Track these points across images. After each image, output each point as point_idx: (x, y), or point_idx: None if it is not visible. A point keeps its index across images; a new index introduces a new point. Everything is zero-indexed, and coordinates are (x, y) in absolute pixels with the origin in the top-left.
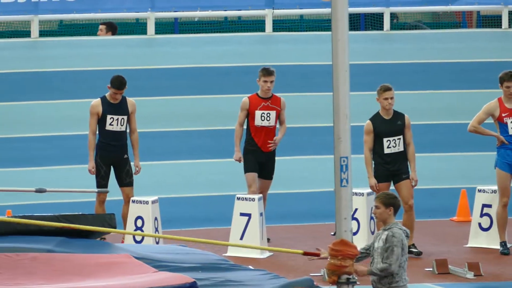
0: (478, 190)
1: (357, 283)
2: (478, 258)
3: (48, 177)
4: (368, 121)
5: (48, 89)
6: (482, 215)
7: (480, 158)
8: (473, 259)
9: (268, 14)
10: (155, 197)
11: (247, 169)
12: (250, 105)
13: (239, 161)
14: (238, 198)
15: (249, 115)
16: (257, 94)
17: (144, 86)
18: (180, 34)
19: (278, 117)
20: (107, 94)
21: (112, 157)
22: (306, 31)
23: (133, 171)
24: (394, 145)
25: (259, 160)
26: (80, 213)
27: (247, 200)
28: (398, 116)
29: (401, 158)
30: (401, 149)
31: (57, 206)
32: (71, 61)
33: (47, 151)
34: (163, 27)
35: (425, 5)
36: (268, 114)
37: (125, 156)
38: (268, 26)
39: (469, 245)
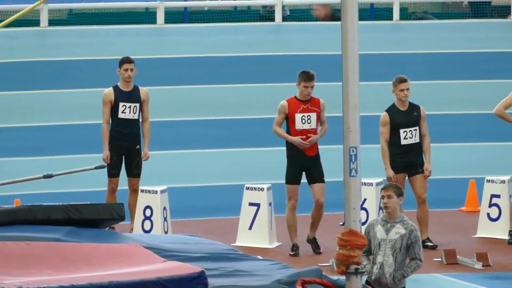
0: (487, 180)
1: (366, 273)
2: (486, 248)
3: (56, 167)
4: (385, 113)
5: (57, 78)
6: (490, 205)
7: (489, 148)
8: (481, 249)
9: (278, 4)
10: (164, 187)
11: (288, 180)
12: (289, 109)
13: (300, 143)
14: (247, 188)
15: (289, 119)
16: (295, 97)
17: (153, 75)
18: (189, 23)
19: (319, 118)
20: (118, 83)
21: (125, 146)
22: (316, 21)
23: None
24: (411, 136)
25: (304, 165)
26: (89, 202)
27: (256, 190)
28: (414, 108)
29: (417, 150)
30: (417, 140)
31: (66, 195)
32: (80, 50)
33: (56, 140)
34: (172, 16)
35: None
36: (309, 117)
37: (137, 146)
38: (278, 16)
39: (477, 235)
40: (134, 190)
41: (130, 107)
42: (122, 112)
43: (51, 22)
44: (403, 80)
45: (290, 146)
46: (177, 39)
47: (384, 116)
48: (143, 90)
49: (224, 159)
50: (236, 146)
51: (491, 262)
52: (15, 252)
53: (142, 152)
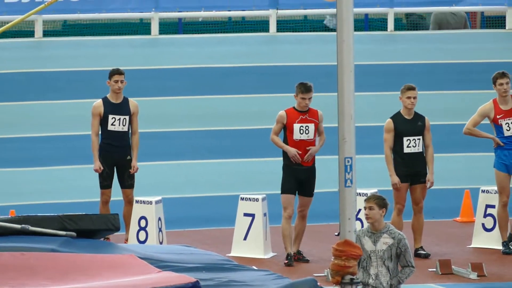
0: (482, 190)
1: (361, 283)
2: (481, 258)
3: (51, 178)
4: (389, 120)
5: (52, 89)
6: (485, 215)
7: (483, 158)
8: (476, 259)
9: (272, 15)
10: (159, 197)
11: (284, 190)
12: (287, 119)
13: (294, 156)
14: (242, 199)
15: (287, 129)
16: (294, 108)
17: (147, 86)
18: (184, 34)
19: (317, 129)
20: (108, 94)
21: (115, 158)
22: (310, 31)
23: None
24: (414, 145)
25: (300, 177)
26: (84, 213)
27: (250, 200)
28: (419, 117)
29: (420, 159)
30: (420, 149)
31: (60, 206)
32: (75, 61)
33: (51, 151)
34: (167, 27)
35: (429, 5)
36: (307, 127)
37: (128, 157)
38: (272, 26)
39: (472, 245)
40: (129, 202)
41: (119, 119)
42: (112, 124)
43: (46, 33)
44: (411, 88)
45: (286, 157)
46: (171, 50)
47: (388, 123)
48: (133, 102)
49: (219, 170)
50: (231, 157)
51: (486, 273)
52: (10, 262)
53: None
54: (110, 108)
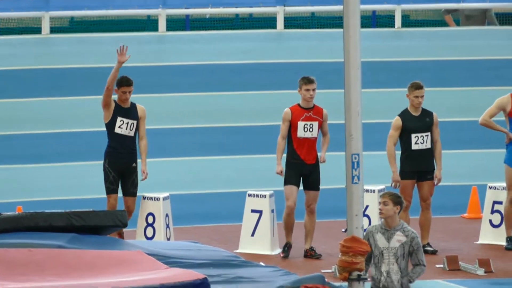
0: (489, 187)
1: (368, 280)
2: (488, 254)
3: (58, 174)
4: (397, 117)
5: (58, 86)
6: (492, 211)
7: (491, 155)
8: (483, 255)
9: (280, 11)
10: (166, 194)
11: (286, 182)
12: (292, 116)
13: (281, 174)
14: (249, 195)
15: (291, 127)
16: (298, 104)
17: (154, 83)
18: (191, 31)
19: (321, 128)
20: (116, 99)
21: (121, 164)
22: (318, 28)
23: (140, 178)
24: (422, 141)
25: (303, 172)
26: (91, 209)
27: (258, 197)
28: (427, 114)
29: (428, 156)
30: (428, 146)
31: (68, 202)
32: (82, 58)
33: (58, 147)
34: (174, 24)
35: (437, 2)
36: (311, 125)
37: (134, 164)
38: (280, 23)
39: (479, 241)
40: (129, 212)
41: (127, 123)
42: (119, 127)
43: (53, 30)
44: (419, 87)
45: (291, 155)
46: (178, 47)
47: (396, 120)
48: (140, 107)
49: (227, 166)
50: (238, 153)
51: (493, 269)
52: (17, 259)
53: (140, 170)
54: (119, 111)
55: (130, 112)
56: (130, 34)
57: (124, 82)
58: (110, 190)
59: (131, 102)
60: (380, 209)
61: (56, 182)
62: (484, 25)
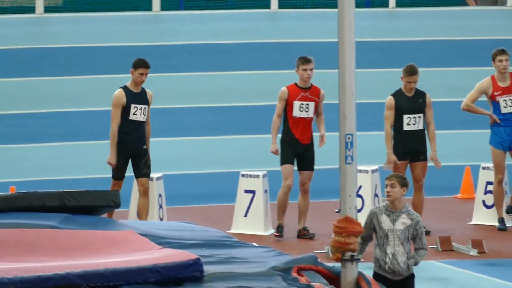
0: (482, 167)
1: (361, 260)
2: (481, 235)
3: (51, 154)
4: (390, 97)
5: (52, 66)
6: (486, 192)
7: (484, 135)
8: (476, 236)
9: None
10: (160, 174)
11: (283, 161)
12: (289, 95)
13: (276, 153)
14: (243, 175)
15: (287, 105)
16: (295, 84)
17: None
18: (185, 10)
19: (316, 108)
20: (128, 83)
21: (133, 148)
22: (312, 8)
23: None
24: (414, 122)
25: (297, 151)
26: (85, 189)
27: (251, 177)
28: (420, 94)
29: (420, 137)
30: (421, 127)
31: (61, 182)
32: (76, 37)
33: (51, 127)
34: (168, 3)
35: None
36: (307, 105)
37: (144, 146)
38: (274, 2)
39: (472, 222)
40: (144, 192)
41: (141, 108)
42: (134, 114)
43: (47, 9)
44: (412, 73)
45: (285, 134)
46: (173, 26)
47: (389, 100)
48: (149, 92)
49: (220, 146)
50: (232, 133)
51: (486, 249)
52: (10, 239)
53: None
54: (132, 97)
55: (141, 97)
56: (124, 13)
57: (141, 64)
58: (117, 176)
59: (141, 87)
60: (387, 192)
61: (49, 162)
62: (496, 5)
